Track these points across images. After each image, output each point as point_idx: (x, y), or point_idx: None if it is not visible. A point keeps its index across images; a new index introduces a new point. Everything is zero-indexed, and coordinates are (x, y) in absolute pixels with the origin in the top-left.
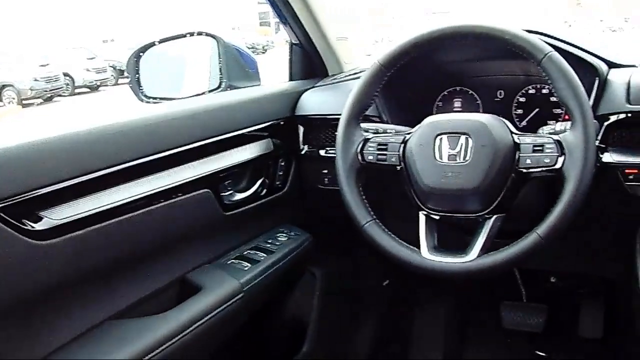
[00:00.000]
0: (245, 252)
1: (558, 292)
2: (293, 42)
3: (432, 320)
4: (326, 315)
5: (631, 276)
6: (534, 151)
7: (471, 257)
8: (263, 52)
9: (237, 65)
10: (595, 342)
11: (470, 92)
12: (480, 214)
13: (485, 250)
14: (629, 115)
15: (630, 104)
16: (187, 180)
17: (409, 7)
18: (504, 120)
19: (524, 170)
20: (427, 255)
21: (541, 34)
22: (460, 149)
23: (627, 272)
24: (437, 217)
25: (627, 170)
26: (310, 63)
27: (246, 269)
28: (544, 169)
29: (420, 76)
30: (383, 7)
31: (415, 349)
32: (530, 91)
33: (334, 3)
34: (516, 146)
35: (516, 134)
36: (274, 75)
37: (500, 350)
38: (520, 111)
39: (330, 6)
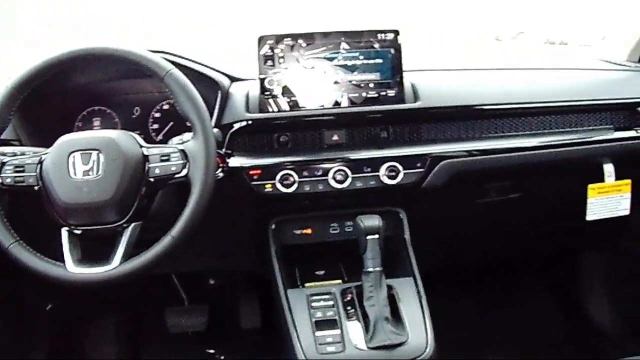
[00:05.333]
0: None
1: (217, 291)
2: None
3: (103, 335)
4: None
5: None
6: (162, 161)
7: (113, 266)
8: None
9: None
10: (255, 331)
11: (109, 110)
12: (118, 224)
13: (126, 257)
14: (249, 122)
15: (249, 113)
16: None
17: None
18: (133, 134)
19: (154, 180)
20: (72, 268)
21: (166, 52)
22: (93, 164)
23: (267, 264)
24: (79, 232)
25: (251, 172)
26: None
27: None
28: (172, 177)
29: (58, 97)
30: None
31: None
32: (165, 107)
33: None
34: (145, 158)
35: (145, 146)
36: None
37: (172, 354)
38: (156, 126)
39: None
